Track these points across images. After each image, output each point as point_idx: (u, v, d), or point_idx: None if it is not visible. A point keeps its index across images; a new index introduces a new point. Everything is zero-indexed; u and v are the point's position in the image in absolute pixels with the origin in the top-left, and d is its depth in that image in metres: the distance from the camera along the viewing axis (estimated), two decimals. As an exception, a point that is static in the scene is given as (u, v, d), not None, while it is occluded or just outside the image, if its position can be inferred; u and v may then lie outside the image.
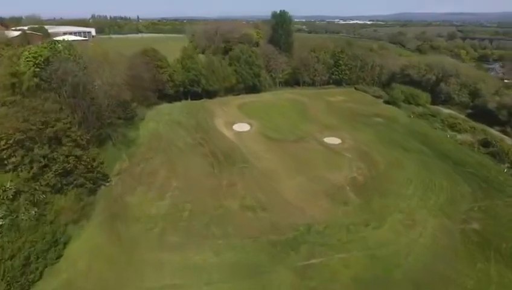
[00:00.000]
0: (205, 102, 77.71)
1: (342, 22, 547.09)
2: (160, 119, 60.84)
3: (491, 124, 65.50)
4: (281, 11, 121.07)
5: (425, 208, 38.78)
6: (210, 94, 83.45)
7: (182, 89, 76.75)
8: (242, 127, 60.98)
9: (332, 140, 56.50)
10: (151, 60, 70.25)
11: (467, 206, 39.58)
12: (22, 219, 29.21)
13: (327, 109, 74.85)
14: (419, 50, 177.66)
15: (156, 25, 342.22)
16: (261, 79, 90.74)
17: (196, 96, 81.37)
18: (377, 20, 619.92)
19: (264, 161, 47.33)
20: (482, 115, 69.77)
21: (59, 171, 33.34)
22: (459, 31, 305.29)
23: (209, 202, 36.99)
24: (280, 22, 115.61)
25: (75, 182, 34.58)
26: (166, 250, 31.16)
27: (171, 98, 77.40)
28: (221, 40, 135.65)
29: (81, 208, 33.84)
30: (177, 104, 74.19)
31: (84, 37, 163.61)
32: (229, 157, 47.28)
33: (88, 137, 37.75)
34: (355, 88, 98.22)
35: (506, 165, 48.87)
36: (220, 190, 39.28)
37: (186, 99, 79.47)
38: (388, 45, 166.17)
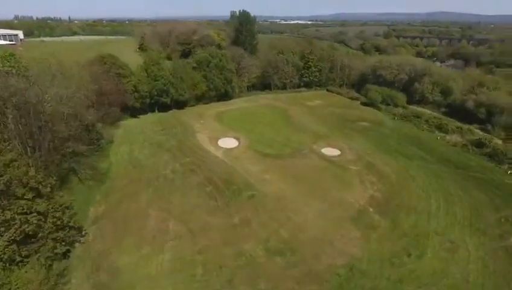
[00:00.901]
0: (176, 114, 68.68)
1: (283, 22, 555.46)
2: (134, 141, 50.75)
3: (469, 122, 66.62)
4: (242, 11, 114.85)
5: (457, 225, 35.70)
6: (178, 104, 74.39)
7: (148, 100, 66.40)
8: (229, 142, 53.60)
9: (331, 151, 51.93)
10: (111, 68, 59.17)
11: (493, 218, 37.37)
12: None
13: (310, 114, 70.48)
14: (363, 49, 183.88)
15: (93, 26, 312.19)
16: (233, 85, 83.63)
17: (164, 108, 71.74)
18: (316, 20, 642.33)
19: (270, 185, 40.68)
20: (458, 113, 71.15)
21: (15, 237, 23.32)
22: (393, 30, 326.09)
23: (225, 250, 29.39)
24: (244, 23, 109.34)
25: (41, 248, 24.65)
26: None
27: (135, 111, 66.89)
28: (176, 42, 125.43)
29: (52, 285, 24.14)
30: (146, 118, 64.15)
31: (10, 40, 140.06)
32: (229, 184, 39.80)
33: (53, 181, 27.62)
34: (328, 90, 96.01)
35: (507, 166, 48.48)
36: (233, 231, 31.80)
37: (153, 111, 69.40)
38: (335, 45, 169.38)
